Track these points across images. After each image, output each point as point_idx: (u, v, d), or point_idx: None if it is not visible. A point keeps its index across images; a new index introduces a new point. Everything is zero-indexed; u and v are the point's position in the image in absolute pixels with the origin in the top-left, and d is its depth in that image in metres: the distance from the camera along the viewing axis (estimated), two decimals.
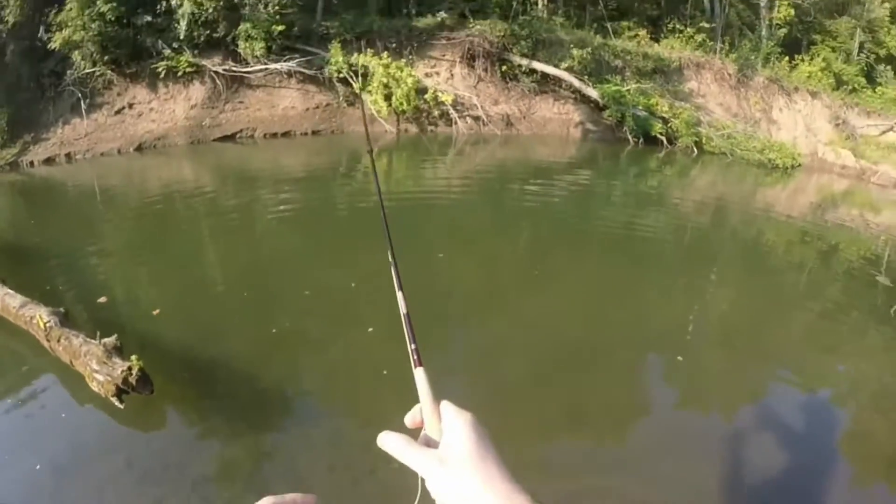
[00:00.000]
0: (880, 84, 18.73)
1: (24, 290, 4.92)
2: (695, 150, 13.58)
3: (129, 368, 3.81)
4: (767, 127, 16.15)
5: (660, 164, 12.98)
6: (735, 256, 8.11)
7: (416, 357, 1.02)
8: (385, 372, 4.31)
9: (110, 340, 4.06)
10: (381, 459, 3.51)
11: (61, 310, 4.59)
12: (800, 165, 15.22)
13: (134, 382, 3.80)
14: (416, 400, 0.82)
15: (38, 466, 3.54)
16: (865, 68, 19.15)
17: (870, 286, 6.91)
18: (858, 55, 19.13)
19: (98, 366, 3.89)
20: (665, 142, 13.58)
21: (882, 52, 19.15)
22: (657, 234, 8.51)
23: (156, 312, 5.16)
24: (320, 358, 4.71)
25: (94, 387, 3.90)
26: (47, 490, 3.41)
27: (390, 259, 1.58)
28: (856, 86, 18.40)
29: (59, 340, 4.25)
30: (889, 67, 19.00)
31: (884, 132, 17.15)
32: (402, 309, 1.25)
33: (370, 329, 4.91)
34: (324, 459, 3.65)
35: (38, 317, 4.41)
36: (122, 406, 3.82)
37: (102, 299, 5.39)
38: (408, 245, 7.05)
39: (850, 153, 16.83)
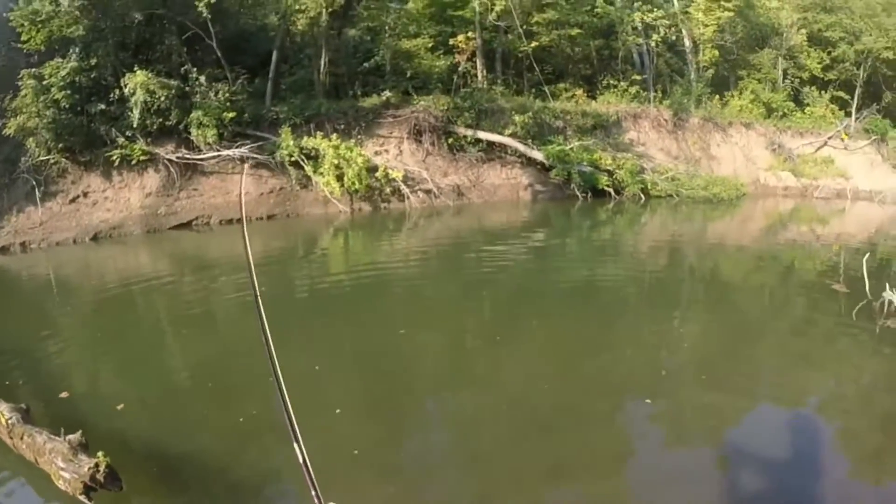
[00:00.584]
0: (808, 104, 19.93)
1: None
2: (642, 196, 14.10)
3: (97, 465, 3.69)
4: (708, 163, 16.93)
5: (610, 215, 13.39)
6: (696, 292, 8.28)
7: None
8: (355, 452, 4.27)
9: (75, 437, 3.95)
10: None
11: (23, 406, 4.48)
12: (744, 195, 15.90)
13: (102, 479, 3.68)
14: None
15: None
16: (792, 93, 20.39)
17: (830, 297, 7.08)
18: (784, 82, 20.41)
19: (64, 463, 3.78)
20: (613, 193, 14.09)
21: (805, 75, 20.41)
22: (617, 283, 8.65)
23: (120, 407, 5.03)
24: (289, 447, 4.55)
25: (61, 485, 3.77)
26: None
27: (285, 412, 1.57)
28: (785, 111, 19.56)
29: (21, 438, 4.14)
30: (814, 87, 20.24)
31: (818, 148, 18.19)
32: (300, 458, 1.25)
33: (338, 411, 4.86)
34: None
35: (0, 413, 4.30)
36: None
37: (64, 394, 5.27)
38: (369, 322, 7.07)
39: (790, 174, 17.71)
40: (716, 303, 7.54)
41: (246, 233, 2.74)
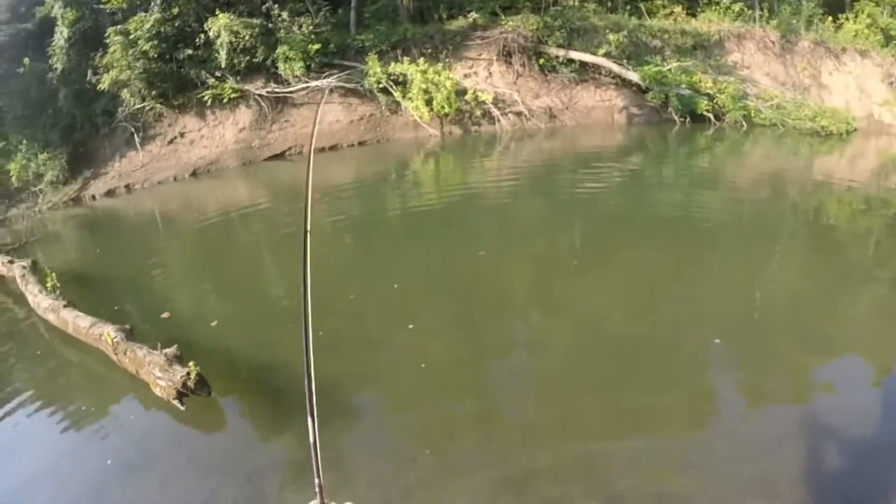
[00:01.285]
0: None
1: (93, 312, 5.49)
2: (744, 123, 13.26)
3: (188, 373, 4.24)
4: (818, 93, 15.58)
5: (710, 142, 12.75)
6: (797, 232, 7.91)
7: (320, 494, 1.06)
8: (423, 365, 4.55)
9: (170, 350, 4.54)
10: (422, 446, 3.80)
11: (127, 326, 5.14)
12: (855, 130, 14.61)
13: (193, 385, 4.23)
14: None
15: (109, 462, 4.02)
16: None
17: None
18: None
19: (160, 373, 4.36)
20: (713, 118, 13.32)
21: None
22: (713, 216, 8.40)
23: (214, 324, 5.63)
24: (367, 356, 4.95)
25: (158, 392, 4.37)
26: (117, 482, 3.83)
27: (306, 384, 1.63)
28: None
29: (125, 353, 4.78)
30: None
31: None
32: (311, 437, 1.33)
33: (410, 326, 5.17)
34: (368, 449, 3.89)
35: (106, 333, 4.96)
36: (183, 408, 4.25)
37: (165, 315, 5.92)
38: (454, 243, 7.24)
39: None
40: (817, 246, 7.16)
41: (311, 167, 2.86)
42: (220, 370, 4.58)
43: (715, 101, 13.33)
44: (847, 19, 17.54)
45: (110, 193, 12.67)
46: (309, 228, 2.74)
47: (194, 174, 12.99)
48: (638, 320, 5.11)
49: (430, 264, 6.78)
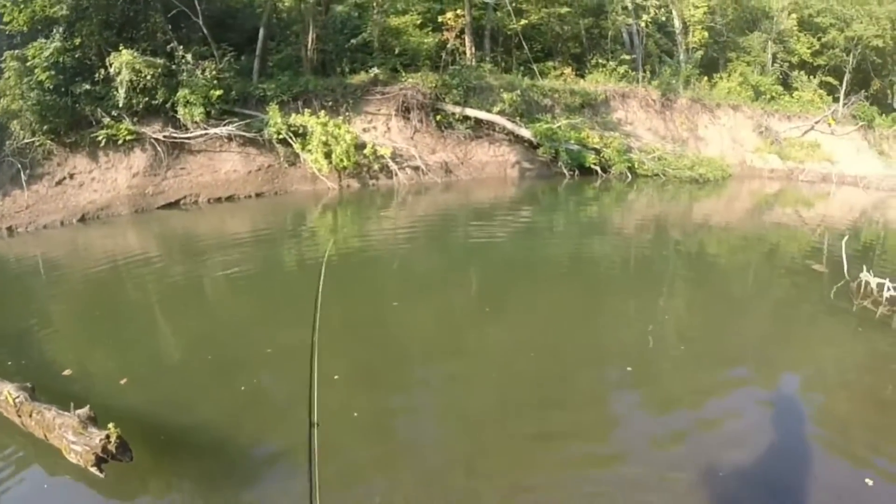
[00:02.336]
0: (796, 89, 20.07)
1: None
2: (629, 175, 14.19)
3: (108, 437, 3.79)
4: (695, 144, 17.06)
5: (597, 193, 13.48)
6: (681, 270, 8.41)
7: None
8: (355, 414, 4.45)
9: (84, 411, 4.04)
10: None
11: (28, 384, 4.53)
12: (730, 175, 16.06)
13: (114, 450, 3.78)
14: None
15: None
16: (781, 77, 20.51)
17: (813, 278, 7.26)
18: (773, 65, 20.49)
19: (75, 437, 3.86)
20: (600, 171, 14.16)
21: (794, 59, 20.50)
22: (603, 260, 8.78)
23: (123, 382, 5.12)
24: (291, 411, 4.70)
25: (73, 458, 3.86)
26: None
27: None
28: (774, 94, 19.67)
29: (30, 415, 4.20)
30: (803, 72, 20.37)
31: (805, 132, 18.35)
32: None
33: (336, 377, 5.01)
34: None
35: (7, 393, 4.35)
36: (102, 475, 3.77)
37: (67, 372, 5.33)
38: (362, 296, 7.15)
39: (776, 157, 17.88)
40: (700, 281, 7.70)
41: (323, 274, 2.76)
42: (137, 433, 4.10)
43: (601, 154, 14.23)
44: (721, 78, 19.59)
45: None
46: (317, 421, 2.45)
47: (83, 219, 12.05)
48: (544, 356, 5.40)
49: (343, 316, 6.60)
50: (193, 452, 4.19)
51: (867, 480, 3.55)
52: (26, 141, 12.42)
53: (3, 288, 8.36)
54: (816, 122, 18.42)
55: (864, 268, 6.49)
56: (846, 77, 20.51)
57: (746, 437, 4.06)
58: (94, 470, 3.77)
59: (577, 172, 14.11)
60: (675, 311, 6.60)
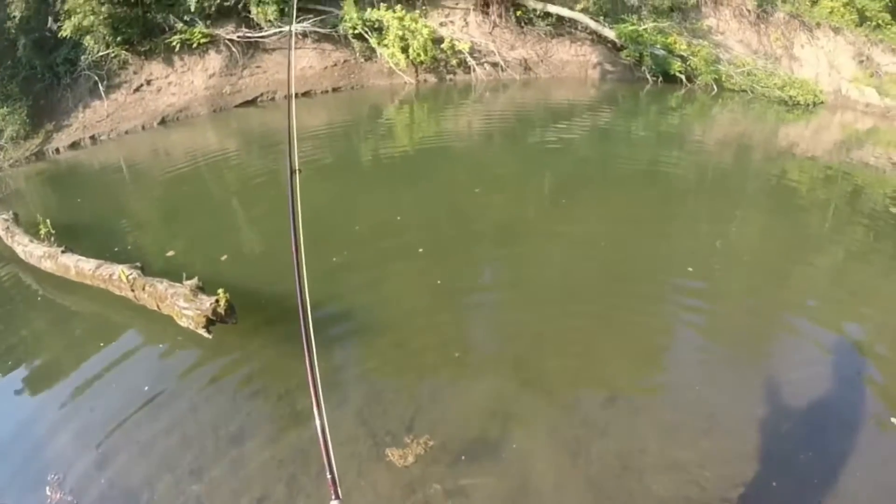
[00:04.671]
0: None
1: (91, 257, 5.35)
2: (714, 87, 13.44)
3: (217, 300, 4.25)
4: (789, 63, 15.84)
5: (680, 103, 12.91)
6: (758, 195, 8.18)
7: (333, 489, 1.05)
8: (438, 282, 4.84)
9: (192, 282, 4.52)
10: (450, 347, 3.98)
11: (138, 264, 5.06)
12: (822, 102, 14.97)
13: (223, 312, 4.25)
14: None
15: (146, 388, 4.11)
16: (890, 3, 18.49)
17: (893, 225, 6.98)
18: None
19: (186, 303, 4.33)
20: (684, 80, 13.45)
21: None
22: (680, 172, 8.62)
23: (224, 258, 5.58)
24: (377, 276, 5.13)
25: (184, 323, 4.35)
26: (153, 409, 3.94)
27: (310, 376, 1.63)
28: (880, 22, 17.78)
29: (143, 289, 4.69)
30: None
31: None
32: (318, 427, 1.31)
33: (420, 250, 5.40)
34: (386, 364, 4.20)
35: (121, 271, 4.85)
36: (210, 336, 4.27)
37: (171, 253, 5.87)
38: (440, 187, 7.38)
39: (874, 91, 16.46)
40: (777, 210, 7.47)
41: (293, 108, 2.95)
42: (239, 300, 4.58)
43: (688, 63, 13.44)
44: None
45: (75, 146, 12.09)
46: (297, 167, 2.77)
47: (163, 122, 12.52)
48: (618, 250, 5.68)
49: (428, 199, 6.97)
50: (286, 315, 4.48)
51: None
52: (101, 54, 12.62)
53: (95, 190, 8.90)
54: None
55: None
56: None
57: (792, 388, 4.10)
58: (202, 332, 4.25)
59: (660, 79, 13.44)
60: (748, 239, 6.52)
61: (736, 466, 3.42)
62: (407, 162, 8.79)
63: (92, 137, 12.30)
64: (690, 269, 5.38)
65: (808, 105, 14.29)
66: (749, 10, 15.73)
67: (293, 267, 2.13)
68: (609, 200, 7.06)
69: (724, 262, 5.67)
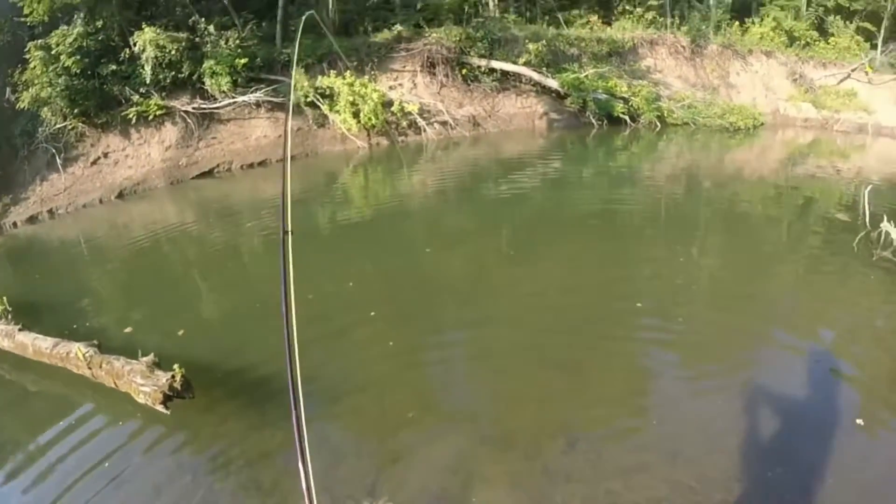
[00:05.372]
0: (832, 35, 19.20)
1: (50, 334, 5.35)
2: (658, 124, 13.98)
3: (173, 376, 4.29)
4: (727, 91, 16.61)
5: (626, 143, 13.36)
6: (713, 220, 8.42)
7: None
8: (390, 343, 4.89)
9: (149, 358, 4.58)
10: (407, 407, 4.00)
11: (94, 341, 5.07)
12: (763, 124, 15.65)
13: (179, 387, 4.28)
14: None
15: (107, 465, 4.08)
16: (816, 22, 19.62)
17: (848, 231, 7.17)
18: (807, 10, 19.58)
19: (143, 380, 4.37)
20: (628, 120, 13.97)
21: (830, 4, 19.54)
22: (634, 209, 8.82)
23: (181, 333, 5.57)
24: (331, 349, 5.13)
25: (141, 399, 4.37)
26: (114, 487, 3.88)
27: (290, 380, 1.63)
28: (808, 40, 18.85)
29: (100, 366, 4.72)
30: (839, 17, 19.44)
31: (841, 80, 17.63)
32: (303, 481, 1.32)
33: (371, 313, 5.45)
34: (346, 430, 4.21)
35: (77, 349, 4.87)
36: (167, 412, 4.28)
37: (128, 329, 5.85)
38: (395, 248, 7.44)
39: (810, 105, 17.29)
40: (733, 232, 7.69)
41: (287, 162, 3.02)
42: (197, 374, 4.59)
43: (630, 103, 14.00)
44: (753, 23, 18.85)
45: (33, 220, 11.99)
46: (290, 229, 2.80)
47: (121, 195, 12.49)
48: (574, 295, 5.68)
49: (382, 262, 7.01)
50: (245, 388, 4.65)
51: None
52: (58, 126, 12.76)
53: (52, 265, 8.84)
54: (853, 70, 17.64)
55: (885, 217, 6.38)
56: (884, 23, 19.48)
57: (774, 400, 4.13)
58: (160, 408, 4.26)
59: (605, 122, 13.95)
60: (708, 261, 6.68)
61: (707, 494, 3.39)
62: (362, 226, 8.88)
63: (50, 211, 12.19)
64: (639, 304, 5.43)
65: (749, 129, 14.92)
66: (684, 47, 16.58)
67: (283, 329, 2.12)
68: (565, 246, 7.14)
69: (685, 291, 5.73)
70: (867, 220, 6.61)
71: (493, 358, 4.88)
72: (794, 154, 13.86)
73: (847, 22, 19.38)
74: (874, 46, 18.89)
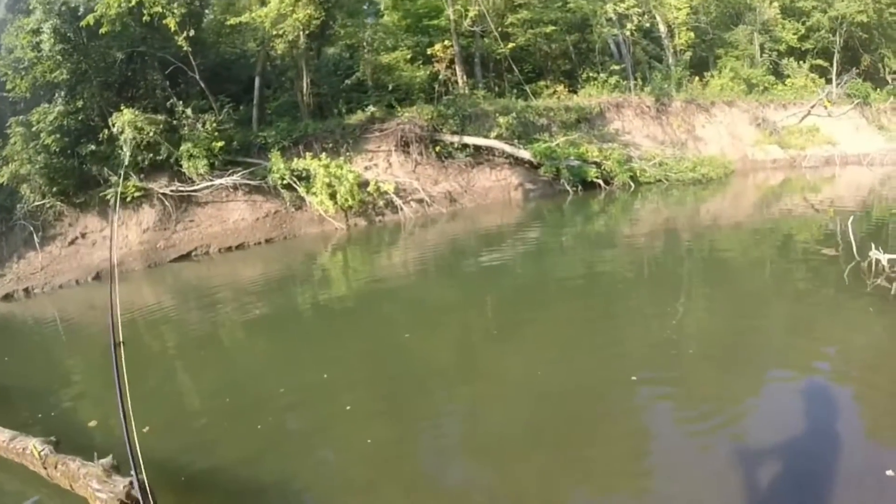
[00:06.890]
0: (788, 76, 20.14)
1: (11, 425, 5.03)
2: (632, 184, 14.25)
3: (131, 483, 3.92)
4: (695, 145, 17.12)
5: (602, 206, 13.53)
6: (696, 271, 8.36)
7: None
8: (369, 441, 4.57)
9: (107, 460, 4.22)
10: None
11: (52, 438, 4.73)
12: (733, 171, 16.07)
13: (137, 496, 3.90)
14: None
15: None
16: (771, 66, 20.60)
17: (828, 263, 7.15)
18: (762, 56, 20.62)
19: (99, 485, 4.04)
20: (602, 184, 14.24)
21: (782, 47, 20.62)
22: (615, 271, 8.73)
23: (146, 430, 5.21)
24: (307, 448, 4.80)
25: None
26: None
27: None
28: (766, 84, 19.77)
29: (56, 466, 4.40)
30: (792, 59, 20.43)
31: (803, 118, 18.33)
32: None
33: (347, 407, 5.14)
34: None
35: (32, 447, 4.55)
36: None
37: (93, 423, 5.51)
38: (374, 332, 7.21)
39: (777, 146, 17.87)
40: (717, 281, 7.61)
41: (114, 275, 2.93)
42: (159, 478, 4.25)
43: (602, 167, 14.32)
44: (712, 76, 19.74)
45: (8, 298, 11.74)
46: (122, 340, 2.66)
47: (98, 277, 12.27)
48: (561, 373, 5.33)
49: (356, 351, 6.70)
50: (214, 493, 4.31)
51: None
52: (37, 203, 12.84)
53: (24, 348, 8.61)
54: (812, 107, 18.41)
55: (873, 245, 6.37)
56: (835, 57, 20.56)
57: (784, 440, 3.92)
58: None
59: (580, 188, 14.19)
60: (696, 314, 6.53)
61: None
62: (340, 310, 8.69)
63: (26, 290, 11.95)
64: (634, 377, 5.16)
65: (721, 178, 15.27)
66: (649, 107, 17.20)
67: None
68: (550, 316, 6.90)
69: (678, 349, 5.52)
70: (855, 251, 6.57)
71: (486, 449, 4.55)
72: (767, 196, 14.12)
73: (800, 62, 20.41)
74: (829, 81, 19.82)
